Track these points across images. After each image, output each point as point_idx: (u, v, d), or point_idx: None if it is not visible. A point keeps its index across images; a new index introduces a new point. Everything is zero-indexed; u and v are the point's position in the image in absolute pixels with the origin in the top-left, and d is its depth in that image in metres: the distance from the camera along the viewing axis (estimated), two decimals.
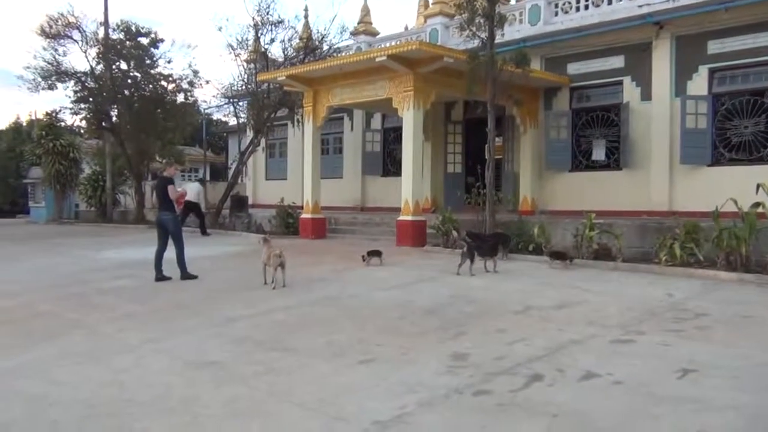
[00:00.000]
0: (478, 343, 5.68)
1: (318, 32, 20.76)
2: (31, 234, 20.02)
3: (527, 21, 16.85)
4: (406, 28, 22.89)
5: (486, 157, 13.08)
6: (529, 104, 16.44)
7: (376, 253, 11.01)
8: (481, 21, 12.75)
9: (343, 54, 19.41)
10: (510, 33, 16.54)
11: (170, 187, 9.65)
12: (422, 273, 10.02)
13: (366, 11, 21.90)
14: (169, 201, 9.60)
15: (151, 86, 23.36)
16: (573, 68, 16.28)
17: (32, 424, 4.06)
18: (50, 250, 14.75)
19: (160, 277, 9.44)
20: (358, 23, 21.78)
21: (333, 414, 4.06)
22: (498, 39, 13.66)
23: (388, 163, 20.82)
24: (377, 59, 13.53)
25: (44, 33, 21.74)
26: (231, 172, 23.16)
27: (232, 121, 28.00)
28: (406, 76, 13.88)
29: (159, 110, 23.38)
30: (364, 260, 10.86)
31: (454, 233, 12.09)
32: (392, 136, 20.42)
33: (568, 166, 16.38)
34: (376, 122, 21.36)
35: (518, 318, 6.76)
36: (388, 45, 18.13)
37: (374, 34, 21.82)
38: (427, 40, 17.84)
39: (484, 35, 12.85)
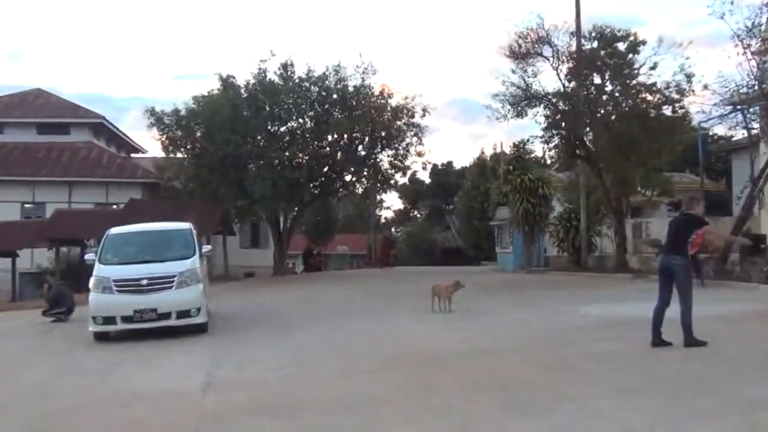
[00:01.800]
0: None
1: None
2: (501, 283, 22.18)
3: None
4: None
5: None
6: None
7: None
8: None
9: None
10: None
11: (706, 228, 9.57)
12: None
13: None
14: (685, 244, 9.41)
15: (629, 101, 23.71)
16: None
17: None
18: (522, 303, 16.11)
19: (659, 341, 9.25)
20: None
21: None
22: None
23: None
24: None
25: (513, 54, 23.91)
26: (740, 204, 21.82)
27: (739, 135, 26.41)
28: None
29: (640, 129, 23.45)
30: None
31: None
32: None
33: None
34: None
35: None
36: None
37: None
38: None
39: None
